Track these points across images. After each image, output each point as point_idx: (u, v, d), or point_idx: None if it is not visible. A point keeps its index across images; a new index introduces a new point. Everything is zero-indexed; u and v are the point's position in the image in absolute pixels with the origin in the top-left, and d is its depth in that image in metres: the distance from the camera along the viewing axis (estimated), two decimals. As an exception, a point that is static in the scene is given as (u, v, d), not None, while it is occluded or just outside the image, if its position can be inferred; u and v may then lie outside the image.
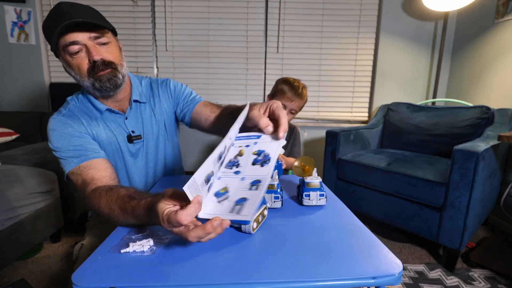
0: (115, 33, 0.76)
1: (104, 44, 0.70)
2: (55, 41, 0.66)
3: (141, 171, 0.88)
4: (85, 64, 0.69)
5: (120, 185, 0.65)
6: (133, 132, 0.83)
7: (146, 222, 0.53)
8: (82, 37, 0.66)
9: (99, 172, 0.70)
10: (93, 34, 0.67)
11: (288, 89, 1.19)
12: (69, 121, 0.74)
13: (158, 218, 0.44)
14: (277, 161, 0.75)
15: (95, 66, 0.69)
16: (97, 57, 0.68)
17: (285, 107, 1.20)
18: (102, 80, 0.70)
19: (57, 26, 0.62)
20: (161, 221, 0.43)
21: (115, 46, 0.74)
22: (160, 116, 0.89)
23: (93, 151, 0.73)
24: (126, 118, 0.82)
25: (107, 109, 0.79)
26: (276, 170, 0.76)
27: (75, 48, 0.66)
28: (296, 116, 1.29)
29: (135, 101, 0.83)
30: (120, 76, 0.73)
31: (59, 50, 0.69)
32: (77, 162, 0.70)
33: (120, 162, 0.84)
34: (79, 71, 0.69)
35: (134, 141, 0.83)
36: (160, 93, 0.89)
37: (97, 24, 0.66)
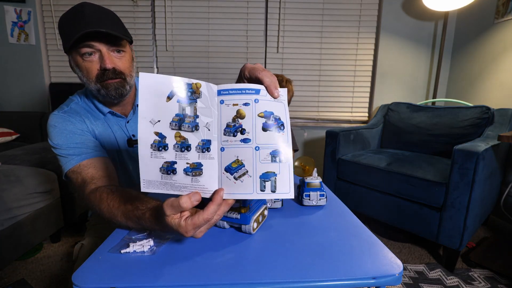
0: (131, 42, 0.76)
1: (118, 52, 0.70)
2: (71, 42, 0.64)
3: None
4: (95, 69, 0.68)
5: (121, 188, 0.64)
6: (133, 136, 0.82)
7: (152, 229, 0.52)
8: (98, 44, 0.66)
9: (99, 171, 0.69)
10: (111, 46, 0.68)
11: None
12: (70, 118, 0.73)
13: (164, 212, 0.42)
14: None
15: (104, 73, 0.68)
16: (109, 66, 0.67)
17: None
18: (109, 88, 0.70)
19: (77, 28, 0.61)
20: (164, 207, 0.42)
21: (129, 56, 0.73)
22: None
23: (94, 149, 0.72)
24: (128, 122, 0.82)
25: (109, 112, 0.79)
26: None
27: (88, 50, 0.66)
28: (296, 116, 1.28)
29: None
30: (128, 87, 0.73)
31: (72, 49, 0.68)
32: (78, 160, 0.69)
33: (120, 165, 0.84)
34: (87, 74, 0.69)
35: (134, 145, 0.83)
36: None
37: (118, 36, 0.66)
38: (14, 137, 1.94)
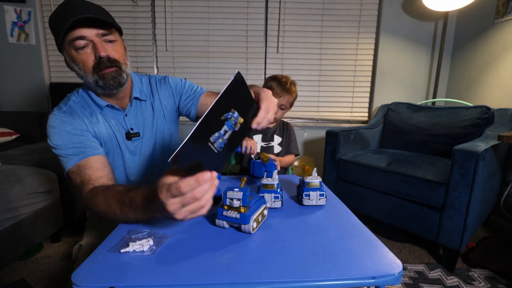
0: (120, 33, 0.77)
1: (110, 42, 0.71)
2: (63, 35, 0.65)
3: (139, 168, 0.88)
4: (90, 60, 0.69)
5: (118, 184, 0.65)
6: (131, 129, 0.83)
7: (144, 213, 0.53)
8: (90, 33, 0.67)
9: (96, 172, 0.70)
10: (101, 31, 0.68)
11: (276, 85, 1.22)
12: (69, 118, 0.74)
13: (157, 190, 0.44)
14: (271, 161, 0.75)
15: (100, 63, 0.69)
16: (103, 54, 0.68)
17: None
18: (106, 78, 0.71)
19: (67, 20, 0.63)
20: (159, 189, 0.44)
21: (120, 45, 0.75)
22: (160, 113, 0.89)
23: (92, 148, 0.74)
24: (126, 115, 0.83)
25: (107, 105, 0.79)
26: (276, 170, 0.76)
27: (81, 43, 0.67)
28: (296, 116, 1.27)
29: (136, 98, 0.84)
30: (124, 75, 0.74)
31: (64, 44, 0.69)
32: (77, 160, 0.71)
33: (118, 159, 0.84)
34: (84, 67, 0.69)
35: (132, 139, 0.83)
36: (159, 89, 0.90)
37: (106, 21, 0.67)
38: (14, 137, 1.94)
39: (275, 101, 0.58)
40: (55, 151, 0.73)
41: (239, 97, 0.47)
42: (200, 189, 0.43)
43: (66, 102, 0.78)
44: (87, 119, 0.77)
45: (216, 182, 0.46)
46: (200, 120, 0.43)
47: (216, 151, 0.47)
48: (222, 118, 0.46)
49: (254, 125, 0.53)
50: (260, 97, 0.56)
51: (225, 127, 0.47)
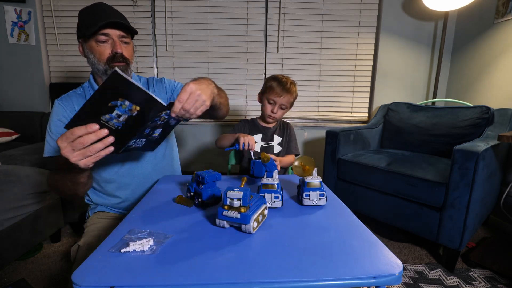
0: (133, 37, 0.92)
1: (126, 43, 0.86)
2: (93, 30, 0.78)
3: (130, 156, 0.93)
4: (106, 53, 0.83)
5: None
6: None
7: (64, 169, 0.66)
8: (113, 33, 0.82)
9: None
10: (122, 33, 0.84)
11: (276, 85, 1.22)
12: (63, 107, 0.86)
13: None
14: (272, 161, 0.75)
15: (115, 57, 0.83)
16: (119, 50, 0.83)
17: (275, 102, 1.23)
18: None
19: (100, 19, 0.78)
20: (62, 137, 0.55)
21: (132, 47, 0.90)
22: None
23: None
24: None
25: None
26: (276, 170, 0.76)
27: (103, 38, 0.81)
28: (296, 116, 1.26)
29: None
30: (129, 71, 0.88)
31: (88, 35, 0.81)
32: (55, 153, 0.83)
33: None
34: (99, 56, 0.83)
35: None
36: (155, 85, 1.00)
37: (129, 28, 0.84)
38: (14, 137, 1.94)
39: (195, 90, 0.65)
40: (47, 133, 0.85)
41: (124, 89, 0.55)
42: (86, 137, 0.54)
43: (69, 92, 0.91)
44: (78, 106, 0.87)
45: (111, 139, 0.57)
46: (84, 103, 0.56)
47: (113, 128, 0.58)
48: (110, 104, 0.55)
49: (172, 114, 0.64)
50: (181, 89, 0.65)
51: (117, 112, 0.57)
